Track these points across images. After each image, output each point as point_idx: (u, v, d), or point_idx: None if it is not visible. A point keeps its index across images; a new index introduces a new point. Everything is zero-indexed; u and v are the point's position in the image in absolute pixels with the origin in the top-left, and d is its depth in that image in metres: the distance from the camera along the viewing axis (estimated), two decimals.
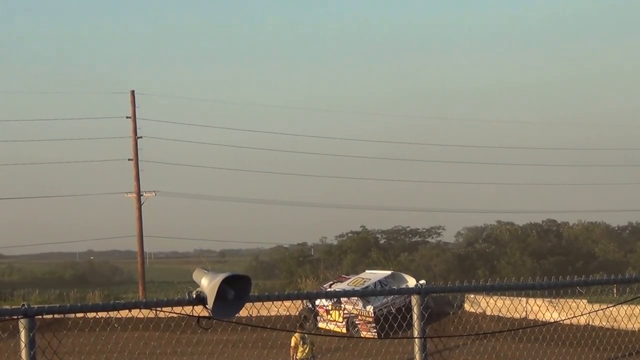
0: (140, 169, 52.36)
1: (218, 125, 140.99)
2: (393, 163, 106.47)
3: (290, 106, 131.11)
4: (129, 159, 52.63)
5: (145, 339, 27.59)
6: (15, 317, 6.27)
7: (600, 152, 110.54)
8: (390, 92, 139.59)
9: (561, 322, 19.22)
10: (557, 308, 27.76)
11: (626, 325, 24.82)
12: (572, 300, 26.92)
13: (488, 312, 33.99)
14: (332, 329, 35.75)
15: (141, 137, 52.53)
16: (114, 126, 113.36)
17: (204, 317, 6.62)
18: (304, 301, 35.27)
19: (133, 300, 10.10)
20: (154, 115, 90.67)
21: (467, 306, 36.33)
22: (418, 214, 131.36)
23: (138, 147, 52.25)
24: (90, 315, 7.02)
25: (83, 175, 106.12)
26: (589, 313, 23.54)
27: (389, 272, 38.71)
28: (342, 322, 35.82)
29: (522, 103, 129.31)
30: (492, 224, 72.56)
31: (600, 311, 21.96)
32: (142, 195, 52.22)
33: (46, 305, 6.47)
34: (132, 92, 52.70)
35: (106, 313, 7.22)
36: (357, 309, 35.21)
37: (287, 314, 32.78)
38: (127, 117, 52.66)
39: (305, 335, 24.53)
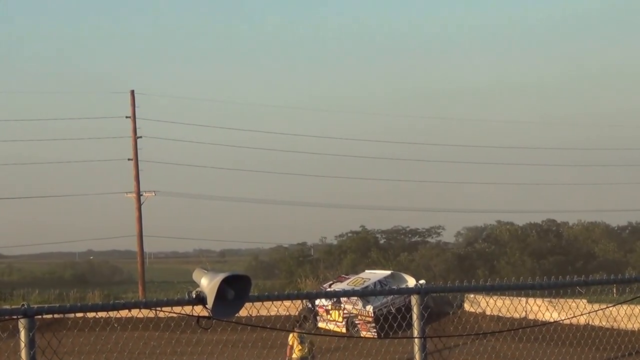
0: (140, 168, 52.40)
1: (218, 125, 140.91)
2: (393, 163, 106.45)
3: (290, 106, 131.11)
4: (128, 159, 52.67)
5: (145, 339, 27.58)
6: (15, 317, 6.27)
7: (600, 152, 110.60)
8: (390, 92, 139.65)
9: (561, 322, 19.23)
10: (556, 308, 27.76)
11: (626, 325, 24.81)
12: (571, 300, 26.91)
13: (488, 312, 33.98)
14: (331, 328, 35.74)
15: (141, 137, 52.56)
16: (113, 126, 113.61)
17: (204, 317, 6.62)
18: (304, 301, 35.28)
19: (133, 300, 10.10)
20: (153, 115, 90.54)
21: (466, 306, 36.33)
22: (418, 213, 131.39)
23: (138, 147, 52.28)
24: (90, 315, 7.02)
25: (83, 175, 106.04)
26: (589, 313, 23.51)
27: (388, 272, 38.70)
28: (341, 322, 35.82)
29: (522, 103, 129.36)
30: (491, 224, 72.61)
31: (600, 311, 21.95)
32: (141, 195, 52.23)
33: (46, 305, 6.48)
34: (132, 92, 52.70)
35: (106, 313, 7.22)
36: (356, 309, 35.20)
37: (287, 313, 32.79)
38: (126, 117, 52.69)
39: (304, 334, 24.45)
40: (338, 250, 66.91)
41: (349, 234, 68.30)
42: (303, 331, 30.41)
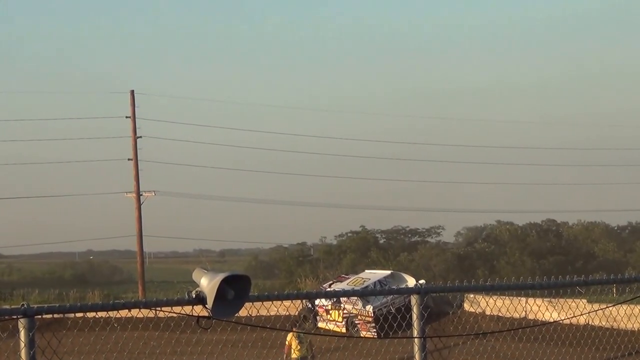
0: (139, 168, 52.41)
1: (218, 125, 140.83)
2: (393, 163, 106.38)
3: (290, 106, 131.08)
4: (128, 159, 52.67)
5: (144, 339, 27.59)
6: (15, 316, 6.28)
7: (600, 152, 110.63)
8: (390, 92, 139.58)
9: (561, 321, 19.23)
10: (556, 308, 27.75)
11: (626, 325, 24.81)
12: (571, 300, 26.91)
13: (488, 312, 33.99)
14: (331, 328, 35.74)
15: (141, 137, 52.57)
16: (113, 126, 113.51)
17: (204, 317, 6.62)
18: (304, 301, 35.28)
19: (133, 300, 10.10)
20: (153, 115, 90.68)
21: (466, 306, 36.34)
22: (418, 213, 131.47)
23: (137, 147, 52.30)
24: (90, 315, 7.02)
25: (83, 175, 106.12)
26: (589, 313, 23.49)
27: (388, 272, 38.71)
28: (341, 322, 35.82)
29: (522, 103, 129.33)
30: (491, 224, 72.66)
31: (600, 311, 21.94)
32: (141, 195, 52.25)
33: (46, 305, 6.48)
34: (132, 92, 52.71)
35: (106, 313, 7.22)
36: (356, 309, 35.21)
37: (287, 313, 32.78)
38: (126, 117, 52.70)
39: (302, 334, 24.41)
40: (338, 250, 66.92)
41: (349, 234, 68.34)
42: (302, 331, 30.40)
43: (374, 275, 37.86)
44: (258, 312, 9.58)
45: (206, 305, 6.49)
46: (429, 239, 68.61)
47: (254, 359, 26.20)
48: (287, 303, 32.06)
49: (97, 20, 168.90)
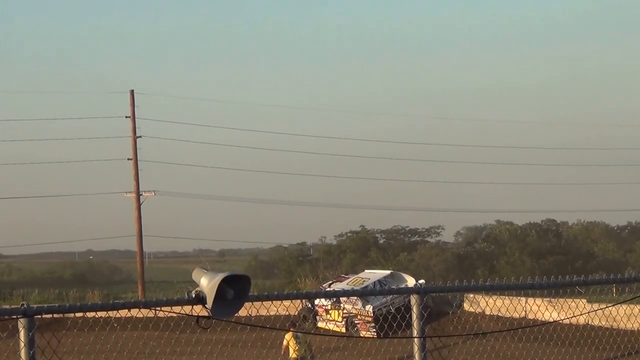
0: (139, 168, 52.41)
1: (218, 125, 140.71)
2: (393, 163, 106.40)
3: (290, 106, 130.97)
4: (128, 159, 52.67)
5: (144, 339, 27.59)
6: (15, 316, 6.28)
7: (600, 152, 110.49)
8: (390, 92, 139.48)
9: (560, 321, 19.21)
10: (556, 308, 27.75)
11: (625, 324, 24.82)
12: (571, 299, 26.91)
13: (487, 312, 33.99)
14: (331, 328, 35.75)
15: (140, 137, 52.57)
16: (113, 126, 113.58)
17: (203, 317, 6.62)
18: (303, 301, 35.30)
19: (132, 300, 10.11)
20: (153, 115, 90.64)
21: (466, 306, 36.34)
22: (417, 213, 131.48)
23: (137, 147, 52.29)
24: (90, 314, 7.02)
25: (82, 174, 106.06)
26: (588, 313, 23.54)
27: (388, 272, 38.71)
28: (341, 322, 35.83)
29: (522, 103, 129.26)
30: (491, 224, 72.62)
31: (600, 311, 21.96)
32: (141, 194, 52.25)
33: (45, 305, 6.48)
34: (132, 92, 52.71)
35: (105, 313, 7.22)
36: (356, 309, 35.22)
37: (287, 313, 32.78)
38: (126, 117, 52.69)
39: (299, 334, 24.38)
40: (337, 250, 66.92)
41: (349, 234, 68.34)
42: (300, 331, 30.39)
43: (373, 275, 37.87)
44: (258, 312, 9.57)
45: (206, 305, 6.49)
46: (428, 239, 68.65)
47: (254, 359, 26.21)
48: (286, 303, 32.07)
49: (97, 20, 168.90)
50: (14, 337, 6.45)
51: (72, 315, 6.87)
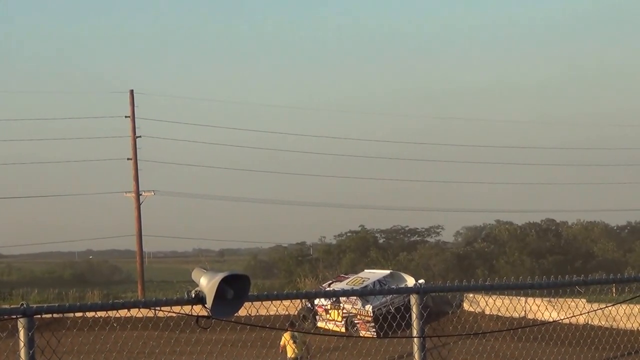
0: (139, 168, 52.40)
1: (218, 125, 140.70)
2: (393, 163, 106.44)
3: (290, 106, 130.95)
4: (127, 159, 52.66)
5: (144, 339, 27.57)
6: (14, 316, 6.27)
7: (600, 152, 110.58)
8: (390, 92, 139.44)
9: (560, 321, 19.21)
10: (556, 307, 27.75)
11: (625, 324, 24.86)
12: (571, 299, 26.91)
13: (487, 312, 33.99)
14: (331, 328, 35.75)
15: (140, 137, 52.56)
16: (113, 126, 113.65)
17: (203, 317, 6.61)
18: (303, 300, 35.30)
19: (132, 300, 10.10)
20: (153, 115, 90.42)
21: (466, 305, 36.34)
22: (417, 213, 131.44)
23: (137, 147, 52.28)
24: (90, 314, 7.01)
25: (82, 174, 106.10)
26: (588, 312, 23.54)
27: (388, 272, 38.72)
28: (341, 322, 35.83)
29: (522, 103, 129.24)
30: (491, 224, 72.63)
31: (599, 310, 21.98)
32: (141, 194, 52.24)
33: (45, 305, 6.47)
34: (131, 92, 52.69)
35: (105, 312, 7.22)
36: (356, 309, 35.22)
37: (286, 313, 32.79)
38: (126, 117, 52.68)
39: (296, 334, 24.37)
40: (337, 249, 66.94)
41: (348, 234, 68.37)
42: (298, 330, 30.39)
43: (373, 274, 37.87)
44: (257, 311, 9.58)
45: (205, 305, 6.49)
46: (428, 239, 68.72)
47: (254, 359, 26.22)
48: (286, 303, 32.07)
49: (97, 20, 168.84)
50: (13, 337, 6.45)
51: (71, 315, 6.87)
